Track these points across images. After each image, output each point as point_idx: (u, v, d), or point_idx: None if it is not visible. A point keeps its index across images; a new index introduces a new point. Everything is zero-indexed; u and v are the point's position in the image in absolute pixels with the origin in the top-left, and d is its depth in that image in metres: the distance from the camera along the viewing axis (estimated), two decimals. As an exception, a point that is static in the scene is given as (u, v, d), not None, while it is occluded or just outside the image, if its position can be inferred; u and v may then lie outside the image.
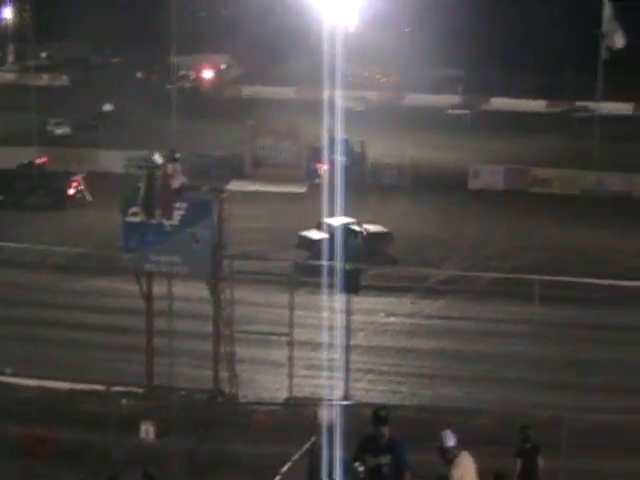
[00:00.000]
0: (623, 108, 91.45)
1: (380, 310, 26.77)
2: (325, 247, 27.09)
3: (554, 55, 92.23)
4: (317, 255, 28.12)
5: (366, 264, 28.21)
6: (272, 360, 22.15)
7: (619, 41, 48.64)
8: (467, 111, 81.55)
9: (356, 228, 33.03)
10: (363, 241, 32.77)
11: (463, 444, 10.63)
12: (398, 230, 35.43)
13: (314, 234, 31.60)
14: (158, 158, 21.26)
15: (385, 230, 34.21)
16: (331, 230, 31.00)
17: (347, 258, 27.89)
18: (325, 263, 22.41)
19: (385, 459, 10.69)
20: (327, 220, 31.56)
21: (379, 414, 10.78)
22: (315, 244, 30.38)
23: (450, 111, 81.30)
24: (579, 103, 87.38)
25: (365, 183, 46.62)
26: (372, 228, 33.80)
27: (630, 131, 70.58)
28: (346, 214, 31.52)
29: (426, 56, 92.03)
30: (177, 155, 21.51)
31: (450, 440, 10.55)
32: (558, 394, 20.75)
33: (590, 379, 21.64)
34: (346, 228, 31.96)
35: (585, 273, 27.18)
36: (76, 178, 41.88)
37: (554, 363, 21.83)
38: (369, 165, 49.14)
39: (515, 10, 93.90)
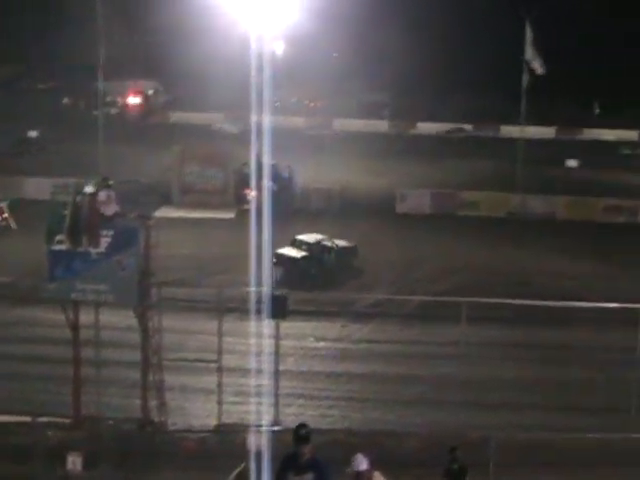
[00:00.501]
0: (546, 132, 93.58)
1: (309, 335, 26.78)
2: (305, 264, 32.18)
3: (480, 80, 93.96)
4: (296, 272, 31.97)
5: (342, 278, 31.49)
6: (201, 387, 21.98)
7: (538, 68, 49.80)
8: (328, 132, 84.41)
9: (328, 244, 34.56)
10: (335, 256, 34.30)
11: (375, 464, 10.68)
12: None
13: (292, 252, 33.17)
14: (90, 187, 20.92)
15: (351, 244, 35.65)
16: (307, 247, 33.45)
17: (323, 273, 32.49)
18: (253, 289, 22.35)
19: (308, 477, 10.66)
20: (300, 237, 34.16)
21: (299, 432, 10.75)
22: (296, 262, 32.64)
23: (309, 132, 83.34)
24: (457, 125, 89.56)
25: (294, 208, 46.74)
26: (341, 243, 35.27)
27: (553, 154, 72.15)
28: (275, 240, 31.62)
29: (354, 81, 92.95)
30: (110, 182, 21.25)
31: (363, 463, 10.57)
32: (488, 414, 20.98)
33: (518, 398, 21.93)
34: (321, 245, 34.08)
35: (511, 294, 27.58)
36: (0, 206, 41.21)
37: (483, 383, 22.06)
38: (298, 190, 49.28)
39: (441, 36, 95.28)
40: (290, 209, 46.21)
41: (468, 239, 41.44)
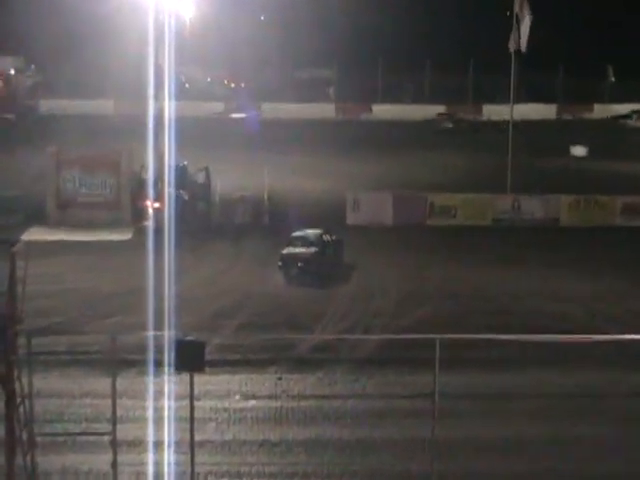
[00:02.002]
0: (544, 111, 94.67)
1: (235, 391, 26.80)
2: (318, 260, 38.38)
3: (454, 51, 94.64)
4: (309, 271, 37.93)
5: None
6: (90, 469, 21.85)
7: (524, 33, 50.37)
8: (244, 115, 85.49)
9: (327, 238, 40.46)
10: (333, 251, 40.52)
11: None
12: (251, 285, 37.05)
13: (300, 250, 38.75)
14: None
15: (339, 237, 41.55)
16: (313, 243, 39.25)
17: (327, 269, 38.78)
18: (151, 333, 22.39)
19: None
20: (298, 234, 39.94)
21: None
22: (311, 257, 38.38)
23: (233, 115, 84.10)
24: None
25: (211, 223, 46.81)
26: (332, 237, 41.21)
27: (552, 138, 72.88)
28: (184, 265, 31.74)
29: (288, 52, 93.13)
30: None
31: None
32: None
33: (510, 465, 22.11)
34: (323, 239, 39.97)
35: (498, 328, 27.89)
36: None
37: (464, 447, 22.25)
38: (216, 199, 49.31)
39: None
40: (207, 224, 46.30)
41: (441, 257, 41.86)
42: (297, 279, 38.04)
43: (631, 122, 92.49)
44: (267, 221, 48.06)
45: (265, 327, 32.33)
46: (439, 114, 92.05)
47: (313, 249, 39.04)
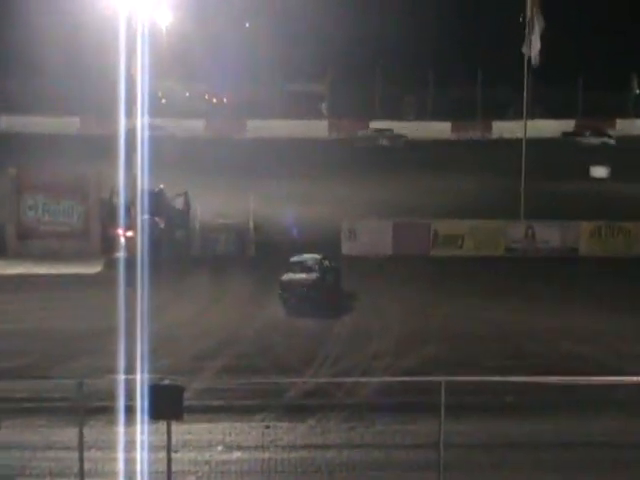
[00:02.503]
0: (560, 127, 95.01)
1: (218, 442, 26.77)
2: (320, 286, 39.66)
3: (460, 60, 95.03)
4: (311, 297, 39.18)
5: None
6: (55, 530, 21.91)
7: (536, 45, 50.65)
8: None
9: (328, 263, 41.73)
10: (332, 277, 41.73)
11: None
12: (235, 322, 37.07)
13: (301, 276, 40.03)
14: None
15: (336, 264, 42.80)
16: (314, 268, 40.58)
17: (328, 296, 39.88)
18: (122, 377, 22.40)
19: None
20: (296, 259, 41.16)
21: None
22: (313, 283, 39.62)
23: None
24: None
25: (190, 253, 46.83)
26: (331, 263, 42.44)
27: (570, 157, 73.04)
28: (160, 300, 31.82)
29: (276, 64, 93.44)
30: None
31: None
32: None
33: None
34: (324, 265, 41.20)
35: (509, 368, 27.90)
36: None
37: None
38: (196, 227, 49.36)
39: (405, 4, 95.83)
40: (186, 255, 46.33)
41: (447, 290, 41.95)
42: (298, 306, 39.17)
43: (584, 140, 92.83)
44: (253, 251, 48.07)
45: (251, 369, 32.33)
46: (375, 130, 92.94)
47: (314, 275, 40.27)
